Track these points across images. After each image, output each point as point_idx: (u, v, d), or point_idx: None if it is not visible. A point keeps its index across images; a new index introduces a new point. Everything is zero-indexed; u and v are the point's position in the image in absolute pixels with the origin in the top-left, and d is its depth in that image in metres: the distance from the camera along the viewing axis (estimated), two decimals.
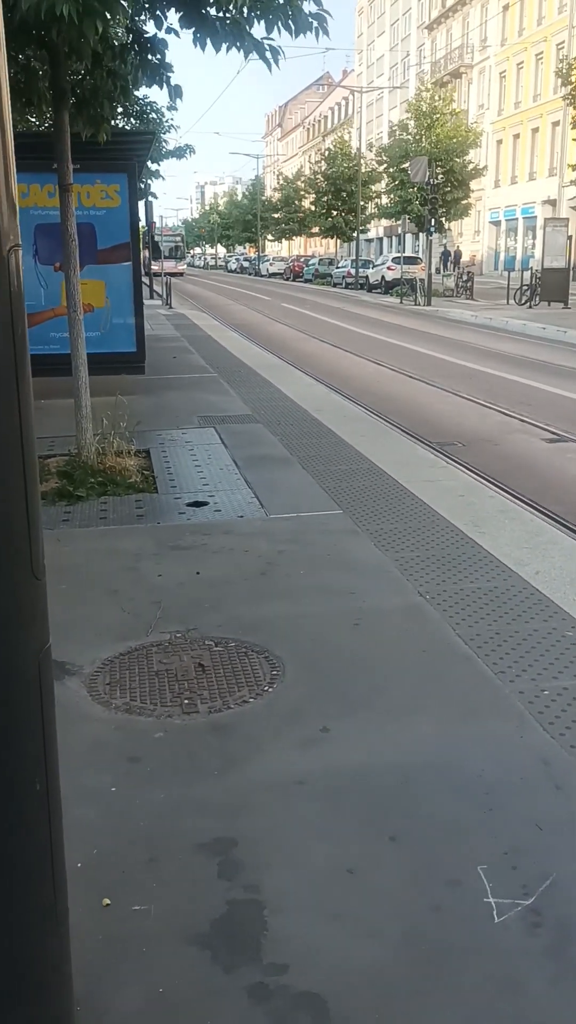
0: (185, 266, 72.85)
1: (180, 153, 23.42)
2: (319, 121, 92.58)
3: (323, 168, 52.14)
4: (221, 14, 6.88)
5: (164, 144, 21.46)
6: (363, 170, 48.08)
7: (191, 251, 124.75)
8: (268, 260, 71.81)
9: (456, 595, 4.65)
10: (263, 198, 76.17)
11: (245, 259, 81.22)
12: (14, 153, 1.65)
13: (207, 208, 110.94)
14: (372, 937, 2.38)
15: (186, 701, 3.66)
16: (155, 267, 49.97)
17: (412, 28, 67.32)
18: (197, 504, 6.47)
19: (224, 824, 2.84)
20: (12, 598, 1.73)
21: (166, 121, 21.82)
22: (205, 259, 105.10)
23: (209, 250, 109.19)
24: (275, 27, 7.07)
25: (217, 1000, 2.20)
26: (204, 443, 8.45)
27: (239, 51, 6.58)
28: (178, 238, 72.64)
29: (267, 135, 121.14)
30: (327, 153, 53.26)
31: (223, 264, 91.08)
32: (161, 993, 2.22)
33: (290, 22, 6.83)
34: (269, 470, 7.36)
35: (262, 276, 66.70)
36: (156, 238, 62.47)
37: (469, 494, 6.68)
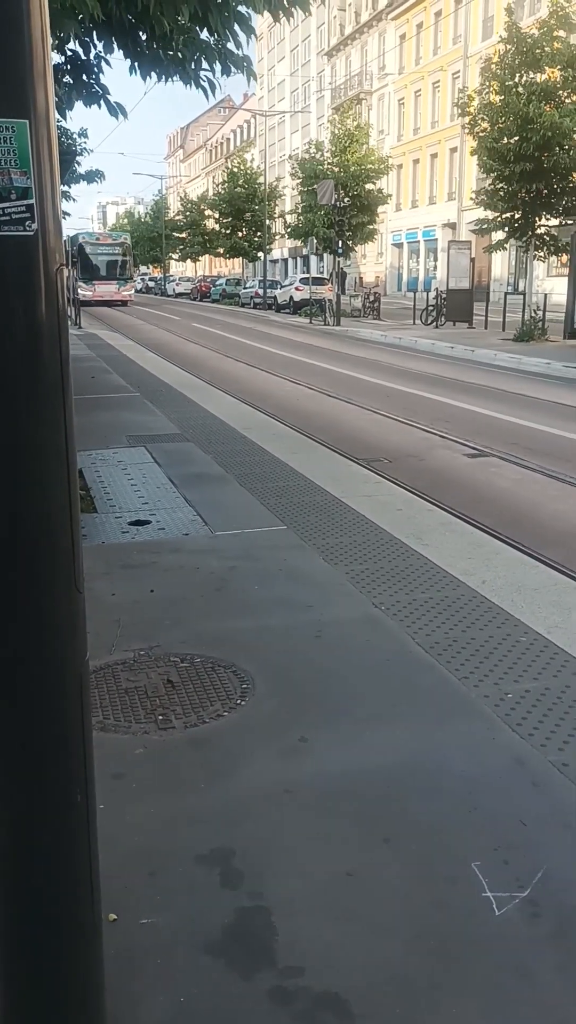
0: (133, 292, 50.33)
1: (91, 178, 23.36)
2: (221, 143, 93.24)
3: (222, 191, 52.71)
4: (160, 50, 7.08)
5: (76, 167, 21.36)
6: (266, 189, 48.79)
7: None
8: (174, 280, 71.79)
9: (410, 606, 4.78)
10: (167, 219, 75.60)
11: (151, 279, 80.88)
12: (59, 176, 1.69)
13: (110, 228, 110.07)
14: (382, 935, 2.45)
15: (160, 717, 3.67)
16: (84, 292, 40.92)
17: (312, 55, 68.54)
18: (139, 523, 6.46)
19: (219, 835, 2.87)
20: (58, 610, 1.75)
21: (78, 146, 21.76)
22: None
23: None
24: (213, 65, 7.33)
25: (239, 1006, 2.23)
26: (137, 462, 8.44)
27: (181, 81, 6.79)
28: (119, 248, 49.22)
29: (169, 156, 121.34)
30: (226, 174, 53.80)
31: None
32: (183, 1003, 2.24)
33: (229, 63, 7.09)
34: (207, 488, 7.41)
35: (168, 296, 66.63)
36: (85, 248, 47.17)
37: (407, 508, 6.85)
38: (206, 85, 7.03)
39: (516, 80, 22.36)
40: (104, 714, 3.68)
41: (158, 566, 5.48)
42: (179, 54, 6.91)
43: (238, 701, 3.78)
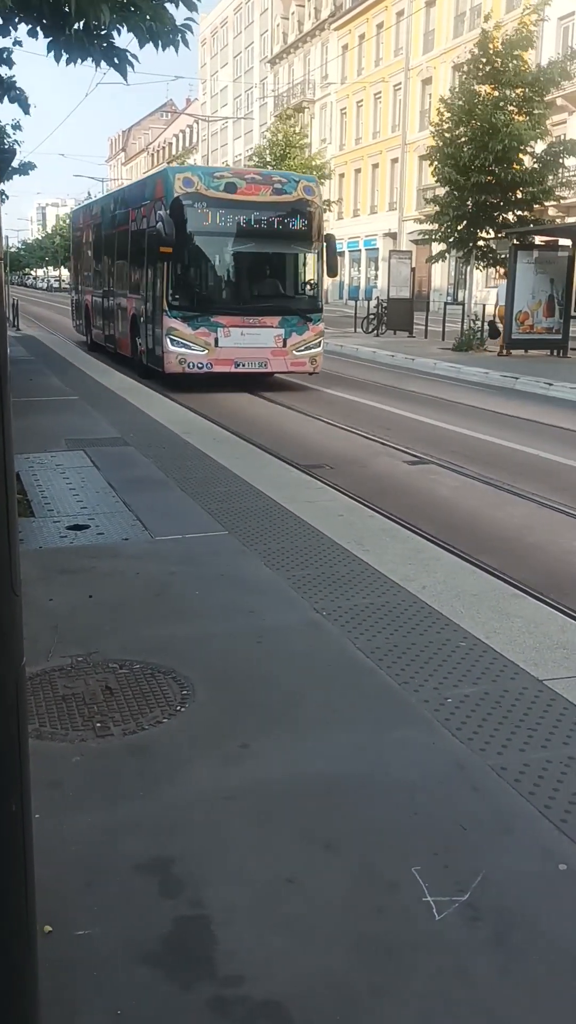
0: (321, 347, 15.67)
1: (24, 170, 23.09)
2: (163, 148, 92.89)
3: None
4: (79, 27, 7.03)
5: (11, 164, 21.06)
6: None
7: (32, 273, 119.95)
8: None
9: (351, 611, 4.78)
10: None
11: None
12: None
13: (49, 231, 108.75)
14: (322, 942, 2.43)
15: (98, 724, 3.61)
16: (178, 348, 14.39)
17: (255, 61, 68.72)
18: (78, 527, 6.37)
19: (158, 844, 2.83)
20: None
21: (10, 141, 21.43)
22: (49, 281, 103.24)
23: (52, 272, 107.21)
24: (144, 40, 7.31)
25: (178, 1017, 2.19)
26: (76, 466, 8.32)
27: (92, 62, 6.79)
28: (293, 215, 14.79)
29: (111, 159, 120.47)
30: None
31: (67, 287, 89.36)
32: (120, 1015, 2.19)
33: (158, 39, 7.07)
34: (147, 492, 7.33)
35: None
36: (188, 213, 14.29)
37: (348, 514, 6.87)
38: (124, 63, 7.06)
39: (480, 89, 22.65)
40: (40, 721, 3.60)
41: (97, 571, 5.41)
42: (100, 32, 6.88)
43: (178, 707, 3.74)
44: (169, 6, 7.35)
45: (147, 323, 15.85)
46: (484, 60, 22.53)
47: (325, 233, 15.38)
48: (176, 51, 7.64)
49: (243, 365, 14.91)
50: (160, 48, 7.41)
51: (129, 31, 7.27)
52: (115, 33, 7.57)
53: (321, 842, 2.86)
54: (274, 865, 2.74)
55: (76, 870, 2.70)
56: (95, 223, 21.73)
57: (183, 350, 14.61)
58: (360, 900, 2.60)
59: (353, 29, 52.39)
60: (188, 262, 14.96)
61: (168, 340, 14.63)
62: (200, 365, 14.69)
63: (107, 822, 2.95)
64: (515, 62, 22.18)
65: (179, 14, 7.60)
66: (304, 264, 15.82)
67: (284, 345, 15.05)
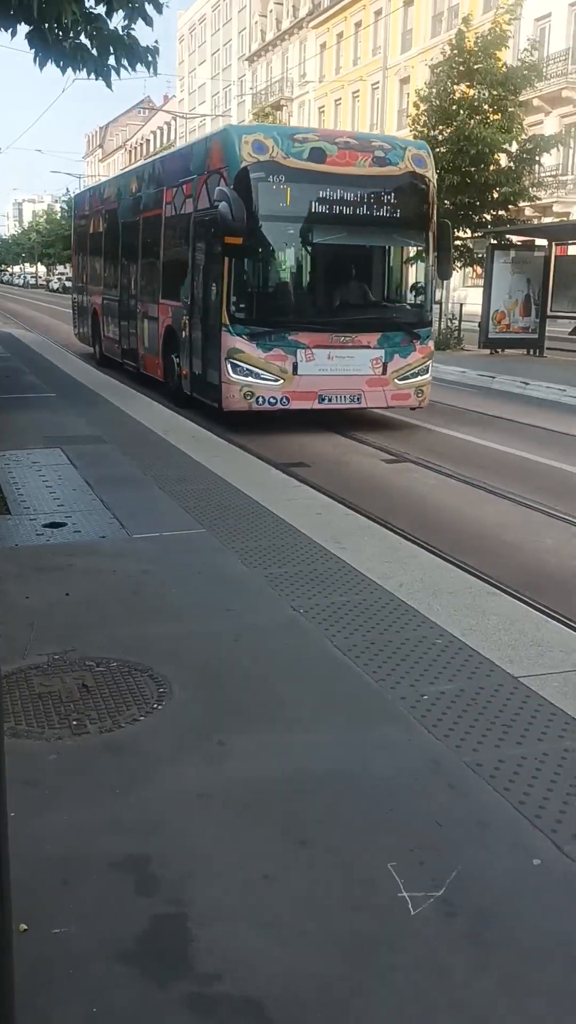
0: (430, 373, 11.79)
1: None
2: (141, 144, 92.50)
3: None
4: (60, 34, 7.09)
5: None
6: None
7: (8, 269, 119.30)
8: None
9: (328, 609, 4.79)
10: None
11: (68, 279, 79.69)
12: None
13: (26, 227, 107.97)
14: (299, 940, 2.44)
15: (75, 722, 3.60)
16: (239, 376, 10.60)
17: (233, 59, 68.58)
18: (55, 525, 6.34)
19: (134, 841, 2.83)
20: None
21: None
22: (25, 278, 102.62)
23: (29, 269, 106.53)
24: (118, 59, 7.41)
25: (155, 1016, 2.19)
26: (52, 464, 8.28)
27: (83, 71, 6.91)
28: (399, 191, 10.95)
29: (88, 155, 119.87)
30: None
31: (44, 284, 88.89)
32: (95, 1013, 2.19)
33: (134, 56, 7.19)
34: (125, 490, 7.30)
35: None
36: (261, 188, 10.34)
37: (326, 512, 6.88)
38: (111, 70, 7.20)
39: (453, 88, 22.77)
40: (16, 719, 3.59)
41: (74, 569, 5.38)
42: (88, 45, 6.97)
43: (155, 705, 3.73)
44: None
45: (193, 339, 11.89)
46: (460, 59, 22.65)
47: (439, 221, 11.62)
48: (148, 70, 7.84)
49: (330, 400, 11.05)
50: (130, 68, 7.62)
51: (100, 48, 7.39)
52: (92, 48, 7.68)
53: (298, 839, 2.86)
54: (251, 862, 2.74)
55: (52, 868, 2.69)
56: (109, 208, 17.03)
57: (250, 379, 10.70)
58: (337, 896, 2.60)
59: (331, 27, 52.38)
60: (259, 258, 10.95)
61: (228, 366, 10.68)
62: (273, 400, 10.82)
63: (83, 820, 2.94)
64: (489, 61, 22.34)
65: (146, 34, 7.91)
66: (412, 262, 12.18)
67: (384, 371, 11.18)
